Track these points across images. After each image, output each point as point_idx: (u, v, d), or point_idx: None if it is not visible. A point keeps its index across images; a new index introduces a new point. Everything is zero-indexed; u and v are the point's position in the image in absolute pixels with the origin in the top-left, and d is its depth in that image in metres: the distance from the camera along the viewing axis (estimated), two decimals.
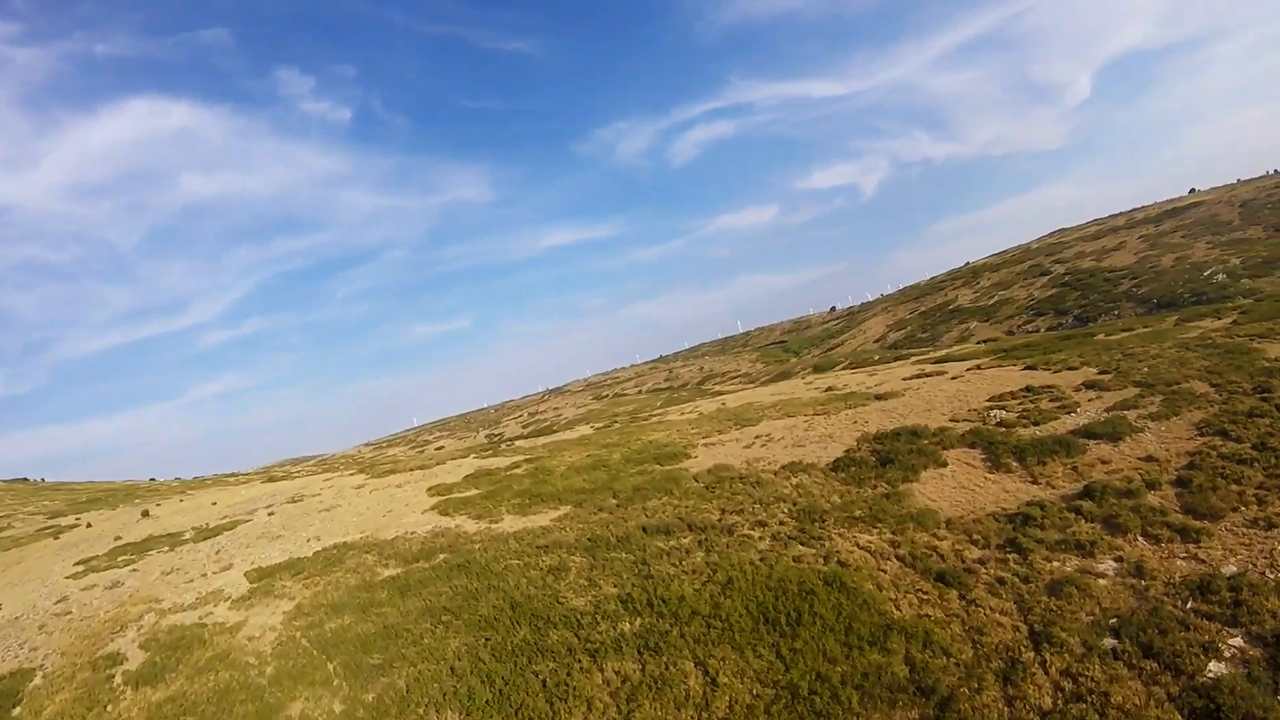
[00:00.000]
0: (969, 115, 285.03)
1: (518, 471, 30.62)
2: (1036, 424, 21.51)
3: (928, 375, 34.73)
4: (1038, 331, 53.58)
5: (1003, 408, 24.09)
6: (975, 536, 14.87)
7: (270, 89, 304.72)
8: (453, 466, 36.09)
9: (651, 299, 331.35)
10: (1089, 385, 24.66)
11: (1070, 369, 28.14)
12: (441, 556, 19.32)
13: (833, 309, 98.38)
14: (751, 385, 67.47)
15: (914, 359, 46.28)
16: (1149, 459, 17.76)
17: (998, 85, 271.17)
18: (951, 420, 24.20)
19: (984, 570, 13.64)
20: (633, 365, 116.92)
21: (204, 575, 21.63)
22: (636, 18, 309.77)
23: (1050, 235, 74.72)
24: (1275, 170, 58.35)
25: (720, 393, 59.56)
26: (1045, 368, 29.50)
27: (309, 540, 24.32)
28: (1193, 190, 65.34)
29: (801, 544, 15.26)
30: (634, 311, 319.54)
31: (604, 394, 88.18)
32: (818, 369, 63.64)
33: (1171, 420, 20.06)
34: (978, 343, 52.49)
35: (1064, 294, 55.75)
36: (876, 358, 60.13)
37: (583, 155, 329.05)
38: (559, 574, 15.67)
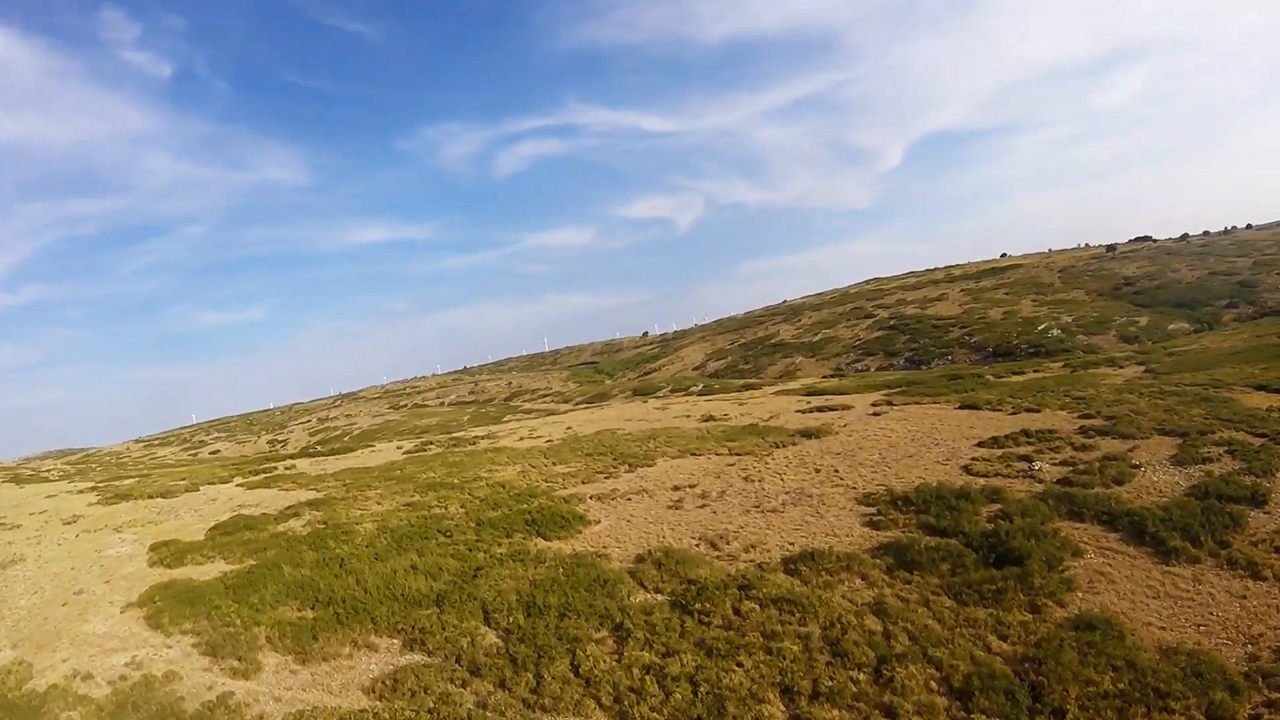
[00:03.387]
0: (786, 167, 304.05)
1: (295, 526, 17.70)
2: (1119, 482, 14.56)
3: (825, 409, 27.75)
4: (868, 371, 50.85)
5: (1028, 459, 17.10)
6: None
7: (92, 30, 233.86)
8: (204, 501, 22.65)
9: (459, 308, 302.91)
10: (1099, 431, 18.63)
11: (1031, 410, 22.45)
12: None
13: (645, 334, 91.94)
14: (567, 404, 59.28)
15: (772, 390, 39.86)
16: None
17: (817, 144, 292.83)
18: (967, 473, 16.63)
19: None
20: (435, 375, 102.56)
21: None
22: (484, 21, 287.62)
23: (868, 282, 74.95)
24: (1087, 244, 63.65)
25: (546, 412, 49.07)
26: (990, 408, 23.67)
27: None
28: (1004, 255, 69.55)
29: None
30: (440, 319, 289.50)
31: (403, 404, 73.99)
32: (638, 392, 56.66)
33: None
34: (825, 376, 48.22)
35: (892, 336, 54.03)
36: (700, 386, 53.85)
37: (406, 152, 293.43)
38: None
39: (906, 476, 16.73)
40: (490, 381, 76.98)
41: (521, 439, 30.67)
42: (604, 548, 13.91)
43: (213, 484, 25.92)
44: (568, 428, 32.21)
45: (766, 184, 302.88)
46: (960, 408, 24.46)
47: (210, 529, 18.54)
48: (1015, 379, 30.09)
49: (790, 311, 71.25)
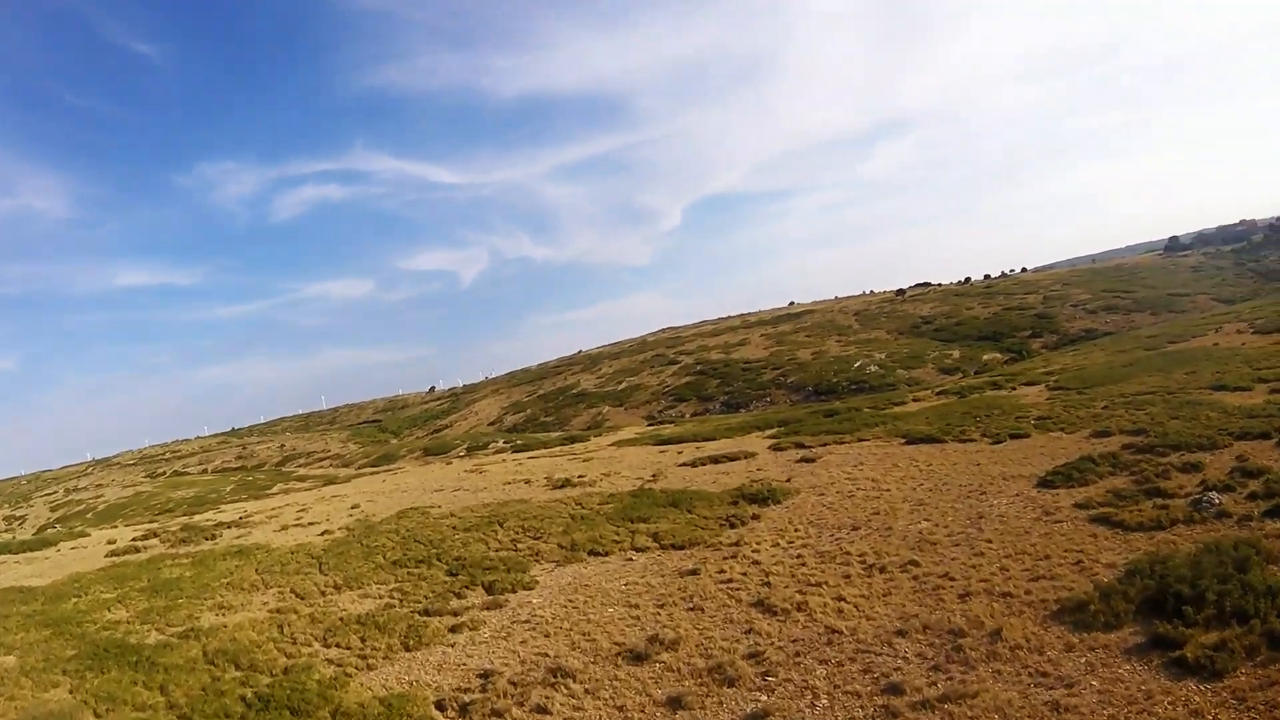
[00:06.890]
0: (571, 225, 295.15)
1: None
2: None
3: (721, 459, 19.89)
4: (683, 417, 44.91)
5: (1158, 491, 10.27)
6: None
7: None
8: None
9: (227, 363, 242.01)
10: (1167, 447, 12.74)
11: (1017, 436, 16.46)
12: None
13: (432, 389, 76.92)
14: (349, 469, 45.73)
15: (607, 441, 30.84)
16: None
17: (602, 203, 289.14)
18: (1119, 529, 9.26)
19: None
20: (199, 438, 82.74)
21: None
22: (275, 54, 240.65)
23: (663, 331, 69.96)
24: (873, 290, 64.71)
25: (324, 479, 34.87)
26: (956, 439, 17.45)
27: None
28: (792, 303, 68.56)
29: None
30: (205, 375, 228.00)
31: (161, 471, 59.70)
32: (429, 452, 45.65)
33: None
34: (652, 422, 40.69)
35: (703, 381, 48.92)
36: (502, 441, 43.04)
37: (179, 188, 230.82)
38: None
39: (1055, 555, 8.82)
40: (261, 444, 62.17)
41: (285, 527, 17.80)
42: None
43: None
44: (354, 506, 19.91)
45: (552, 240, 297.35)
46: (909, 443, 18.04)
47: None
48: (898, 409, 24.95)
49: (589, 361, 63.73)
